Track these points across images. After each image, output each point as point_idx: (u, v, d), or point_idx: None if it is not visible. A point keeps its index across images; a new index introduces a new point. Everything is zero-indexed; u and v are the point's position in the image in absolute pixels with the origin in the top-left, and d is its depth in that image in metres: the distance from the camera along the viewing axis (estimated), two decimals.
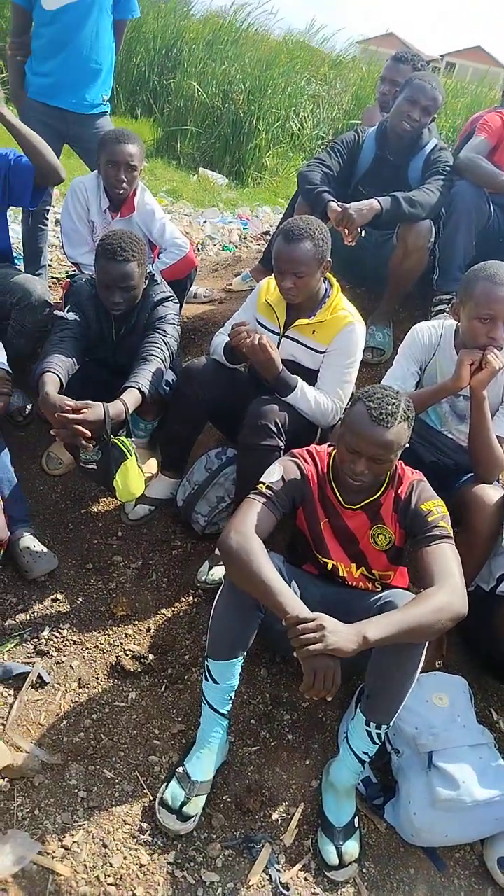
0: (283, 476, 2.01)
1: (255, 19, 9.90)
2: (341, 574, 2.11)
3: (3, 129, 2.74)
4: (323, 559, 2.11)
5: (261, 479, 2.02)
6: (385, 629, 1.69)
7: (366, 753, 1.93)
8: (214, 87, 8.12)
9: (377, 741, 1.90)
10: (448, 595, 1.76)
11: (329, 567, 2.11)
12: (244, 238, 5.59)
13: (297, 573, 2.10)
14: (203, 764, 1.96)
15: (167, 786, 1.94)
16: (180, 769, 1.96)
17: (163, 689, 2.25)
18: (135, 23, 3.96)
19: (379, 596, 1.94)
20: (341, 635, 1.66)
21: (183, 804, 1.89)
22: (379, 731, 1.88)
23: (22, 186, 2.90)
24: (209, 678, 1.96)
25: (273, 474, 2.02)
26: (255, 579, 1.80)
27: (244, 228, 5.82)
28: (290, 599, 1.76)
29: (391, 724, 1.88)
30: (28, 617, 2.42)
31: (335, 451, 2.05)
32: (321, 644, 1.64)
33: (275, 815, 1.99)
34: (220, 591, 1.96)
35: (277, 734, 2.18)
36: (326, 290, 2.53)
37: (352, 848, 1.91)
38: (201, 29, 9.36)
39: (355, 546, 2.08)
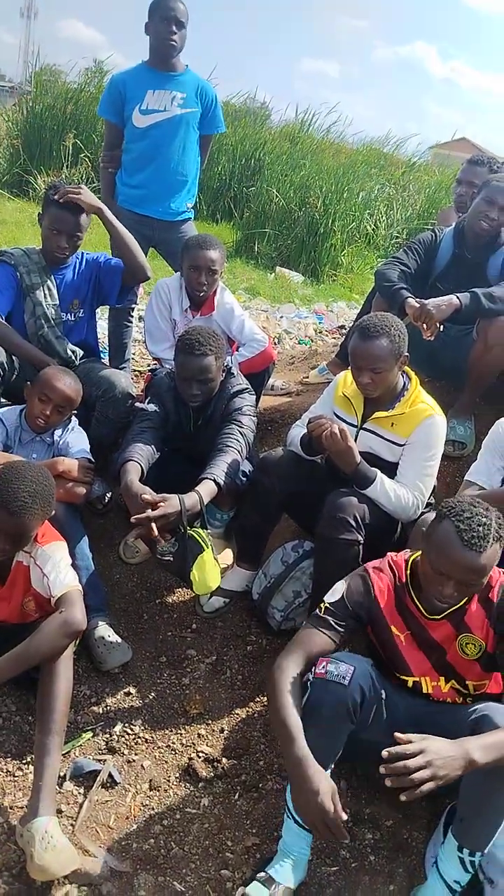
0: (344, 595, 1.96)
1: (331, 129, 10.51)
2: (425, 690, 1.97)
3: (92, 239, 2.93)
4: (402, 677, 1.98)
5: (324, 598, 1.99)
6: (494, 752, 1.58)
7: (457, 882, 1.75)
8: (292, 193, 8.53)
9: (470, 869, 1.73)
10: None
11: (410, 684, 1.98)
12: (320, 332, 5.72)
13: (385, 681, 1.97)
14: (286, 872, 1.82)
15: (247, 886, 1.79)
16: (262, 874, 1.82)
17: (236, 796, 2.14)
18: (217, 135, 4.23)
19: (473, 709, 1.78)
20: (447, 762, 1.55)
21: None
22: (473, 859, 1.71)
23: (110, 285, 3.09)
24: None
25: (335, 593, 1.98)
26: (276, 720, 1.77)
27: (320, 323, 5.96)
28: (304, 752, 1.68)
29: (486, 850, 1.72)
30: (101, 710, 2.38)
31: (414, 556, 1.98)
32: (432, 783, 1.53)
33: None
34: (305, 700, 1.84)
35: (359, 854, 2.02)
36: (405, 382, 2.53)
37: None
38: (280, 140, 9.96)
39: (443, 658, 1.95)
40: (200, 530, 2.47)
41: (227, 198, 9.28)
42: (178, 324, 3.36)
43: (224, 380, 2.81)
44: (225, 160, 9.36)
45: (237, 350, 3.38)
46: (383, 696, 1.89)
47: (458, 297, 2.89)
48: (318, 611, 1.98)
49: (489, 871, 1.86)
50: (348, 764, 1.98)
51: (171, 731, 2.35)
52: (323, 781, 1.66)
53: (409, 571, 1.97)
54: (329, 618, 1.94)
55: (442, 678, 1.96)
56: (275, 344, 5.15)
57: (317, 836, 1.73)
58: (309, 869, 1.90)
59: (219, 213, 9.28)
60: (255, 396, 2.92)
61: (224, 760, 2.23)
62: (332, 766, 1.84)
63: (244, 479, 2.72)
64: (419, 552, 1.99)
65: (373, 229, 8.94)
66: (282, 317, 6.01)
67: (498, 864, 1.83)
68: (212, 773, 2.19)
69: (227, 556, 2.95)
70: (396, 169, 10.48)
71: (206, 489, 2.48)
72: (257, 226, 8.50)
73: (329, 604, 1.96)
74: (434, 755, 1.55)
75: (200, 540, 2.45)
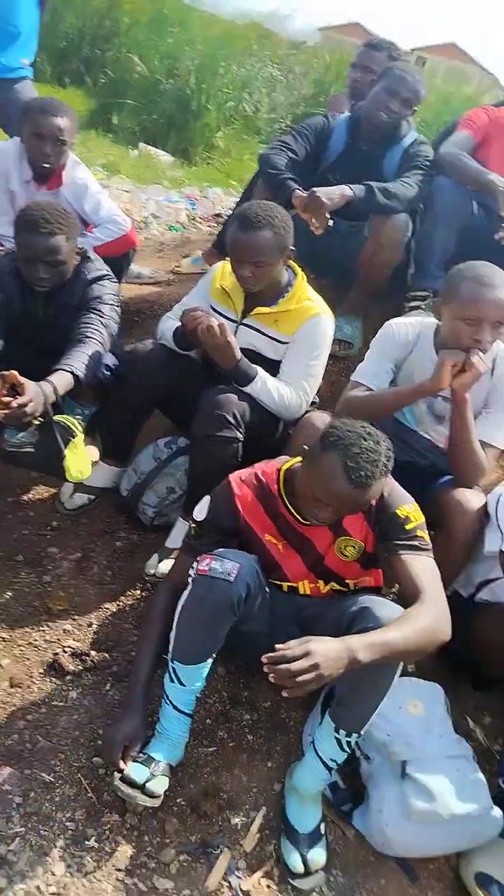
0: (208, 509, 1.95)
1: None
2: (303, 592, 1.98)
3: None
4: (276, 582, 1.98)
5: (193, 513, 2.00)
6: (376, 651, 1.61)
7: (333, 761, 1.83)
8: (157, 62, 7.86)
9: (347, 749, 1.81)
10: (438, 621, 1.72)
11: (285, 588, 1.98)
12: (193, 219, 5.41)
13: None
14: (164, 752, 1.84)
15: (126, 769, 1.79)
16: (140, 755, 1.83)
17: (107, 687, 2.12)
18: None
19: (352, 601, 1.82)
20: (333, 663, 1.56)
21: (147, 780, 1.76)
22: (349, 739, 1.80)
23: None
24: (175, 680, 1.84)
25: (201, 509, 1.97)
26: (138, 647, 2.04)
27: (192, 209, 5.63)
28: (135, 697, 1.89)
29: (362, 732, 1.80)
30: None
31: (287, 465, 1.95)
32: (315, 683, 1.55)
33: (234, 820, 1.89)
34: (186, 594, 1.82)
35: (236, 735, 2.08)
36: (290, 278, 2.44)
37: (318, 856, 1.82)
38: (139, 1, 9.06)
39: (321, 562, 1.96)
40: (69, 416, 2.32)
41: (77, 60, 8.39)
42: (18, 196, 2.99)
43: (80, 264, 2.54)
44: (72, 17, 8.40)
45: (91, 231, 3.07)
46: (267, 590, 1.91)
47: (350, 188, 2.76)
48: (187, 533, 2.01)
49: (365, 747, 1.98)
50: (227, 651, 2.03)
51: (33, 628, 2.25)
52: (123, 730, 1.84)
53: (282, 479, 1.94)
54: (197, 542, 1.94)
55: (321, 581, 1.97)
56: (140, 229, 4.85)
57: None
58: (186, 750, 1.93)
59: (67, 76, 8.38)
60: (117, 283, 2.67)
61: (93, 654, 2.19)
62: (214, 655, 1.85)
63: (108, 373, 2.55)
64: (292, 460, 1.97)
65: (253, 112, 8.43)
66: (148, 199, 5.60)
67: (373, 742, 1.94)
68: (80, 667, 2.14)
69: (93, 452, 2.81)
70: (279, 47, 9.85)
71: (62, 380, 2.28)
72: (115, 95, 7.78)
73: (196, 523, 1.96)
74: (321, 658, 1.55)
75: (71, 425, 2.29)
